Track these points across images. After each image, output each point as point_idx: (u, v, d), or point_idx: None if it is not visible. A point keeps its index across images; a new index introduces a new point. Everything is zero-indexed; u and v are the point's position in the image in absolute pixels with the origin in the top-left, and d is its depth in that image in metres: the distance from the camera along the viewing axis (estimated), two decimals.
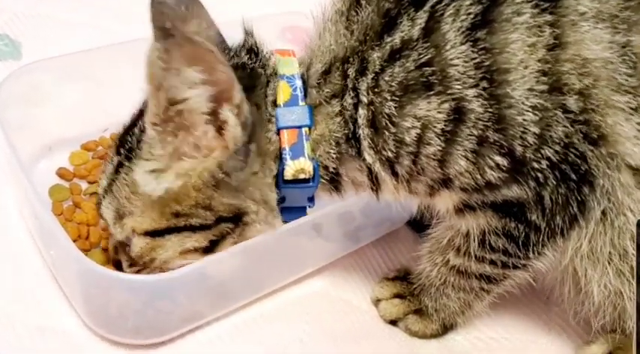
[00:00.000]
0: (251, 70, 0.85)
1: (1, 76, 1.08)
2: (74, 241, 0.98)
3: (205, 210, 0.83)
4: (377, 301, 1.04)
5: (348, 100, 0.81)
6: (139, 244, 0.86)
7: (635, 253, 0.82)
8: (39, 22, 1.46)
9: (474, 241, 0.87)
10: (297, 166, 0.84)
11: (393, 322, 1.02)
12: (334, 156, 0.85)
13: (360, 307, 1.04)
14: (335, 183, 0.88)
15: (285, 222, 0.91)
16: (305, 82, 0.85)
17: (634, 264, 0.83)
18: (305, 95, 0.84)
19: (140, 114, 0.86)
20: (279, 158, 0.84)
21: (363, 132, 0.81)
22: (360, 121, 0.81)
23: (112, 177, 0.86)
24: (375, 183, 0.86)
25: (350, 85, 0.81)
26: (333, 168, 0.86)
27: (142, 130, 0.83)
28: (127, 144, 0.86)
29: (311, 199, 0.90)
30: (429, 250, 0.97)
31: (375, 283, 1.06)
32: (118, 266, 0.92)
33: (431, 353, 1.00)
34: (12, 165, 0.96)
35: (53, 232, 0.86)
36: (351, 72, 0.81)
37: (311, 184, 0.86)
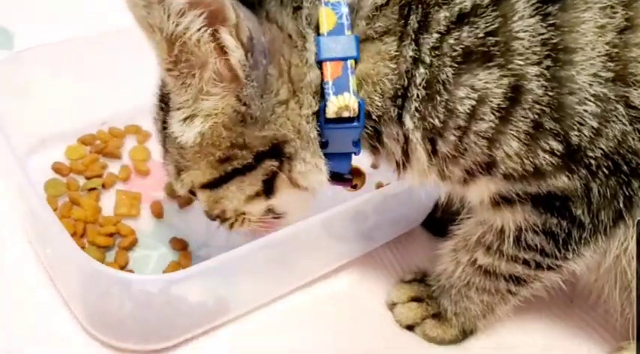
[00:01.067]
0: None
1: None
2: None
3: (242, 149, 0.78)
4: (392, 305, 1.00)
5: (409, 51, 0.75)
6: (203, 198, 0.86)
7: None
8: (31, 11, 1.43)
9: (509, 238, 0.82)
10: (341, 102, 0.76)
11: (410, 327, 0.98)
12: (379, 103, 0.78)
13: (375, 311, 1.00)
14: (375, 139, 0.81)
15: (331, 173, 0.84)
16: (353, 12, 0.77)
17: None
18: (352, 25, 0.77)
19: None
20: (321, 94, 0.78)
21: (416, 92, 0.75)
22: (418, 80, 0.75)
23: (163, 134, 0.83)
24: (406, 157, 0.80)
25: (412, 35, 0.75)
26: (377, 116, 0.79)
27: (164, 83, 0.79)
28: (164, 97, 0.81)
29: (356, 144, 0.82)
30: (453, 248, 0.92)
31: (391, 286, 1.02)
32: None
33: None
34: (5, 159, 0.92)
35: (50, 228, 0.82)
36: (413, 20, 0.75)
37: (356, 123, 0.78)
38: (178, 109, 0.78)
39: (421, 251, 1.09)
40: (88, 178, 1.09)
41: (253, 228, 0.90)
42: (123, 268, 0.96)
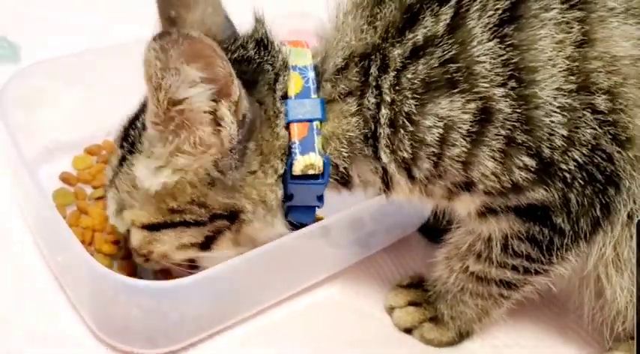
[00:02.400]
0: (257, 64, 0.82)
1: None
2: None
3: (200, 207, 0.82)
4: (391, 309, 1.02)
5: (371, 98, 0.78)
6: (137, 237, 0.86)
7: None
8: (37, 24, 1.44)
9: (496, 246, 0.85)
10: (307, 161, 0.81)
11: (408, 331, 1.00)
12: (345, 155, 0.82)
13: (372, 315, 1.02)
14: (344, 182, 0.85)
15: (292, 224, 0.89)
16: (319, 75, 0.82)
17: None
18: (318, 88, 0.81)
19: (144, 107, 0.83)
20: (288, 153, 0.82)
21: (383, 131, 0.79)
22: (382, 120, 0.78)
23: (116, 170, 0.85)
24: (388, 185, 0.84)
25: (373, 83, 0.78)
26: (344, 167, 0.83)
27: (144, 127, 0.81)
28: (130, 137, 0.84)
29: (320, 199, 0.86)
30: (446, 256, 0.95)
31: (389, 291, 1.04)
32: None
33: None
34: (16, 169, 0.94)
35: (63, 237, 0.84)
36: (373, 70, 0.78)
37: (320, 180, 0.82)
38: (148, 157, 0.81)
39: (417, 257, 1.11)
40: (95, 188, 1.11)
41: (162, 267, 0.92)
42: (131, 274, 0.96)
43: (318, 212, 0.95)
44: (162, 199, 0.82)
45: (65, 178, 1.11)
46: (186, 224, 0.83)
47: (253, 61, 0.83)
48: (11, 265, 0.99)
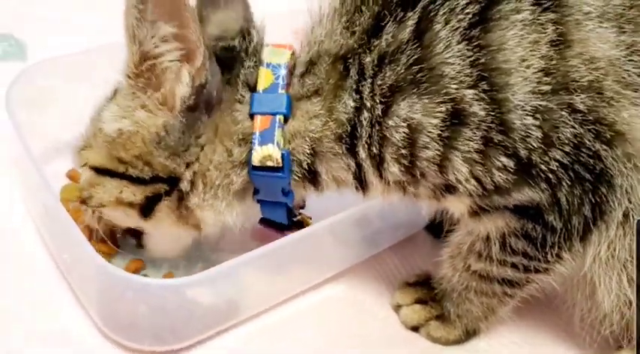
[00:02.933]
0: (236, 52, 0.85)
1: (7, 77, 1.06)
2: None
3: (144, 164, 0.84)
4: (397, 307, 1.02)
5: (349, 102, 0.80)
6: (85, 176, 0.89)
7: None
8: (44, 22, 1.45)
9: (495, 244, 0.85)
10: (265, 152, 0.82)
11: (415, 329, 1.00)
12: (309, 152, 0.83)
13: (379, 313, 1.02)
14: (312, 179, 0.86)
15: (264, 221, 0.92)
16: (291, 74, 0.84)
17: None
18: (288, 85, 0.83)
19: None
20: (250, 144, 0.83)
21: (365, 132, 0.80)
22: (365, 123, 0.79)
23: (100, 108, 0.89)
24: (362, 183, 0.85)
25: (353, 87, 0.79)
26: (307, 164, 0.84)
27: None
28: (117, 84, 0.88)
29: (286, 194, 0.87)
30: (450, 255, 0.95)
31: (396, 289, 1.04)
32: None
33: None
34: (23, 166, 0.94)
35: (70, 234, 0.85)
36: (353, 73, 0.79)
37: (281, 174, 0.83)
38: (116, 105, 0.85)
39: (424, 254, 1.11)
40: None
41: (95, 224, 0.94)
42: (138, 271, 0.98)
43: (326, 212, 0.96)
44: (115, 146, 0.84)
45: (72, 176, 1.11)
46: (128, 178, 0.85)
47: (234, 49, 0.85)
48: (14, 264, 0.99)
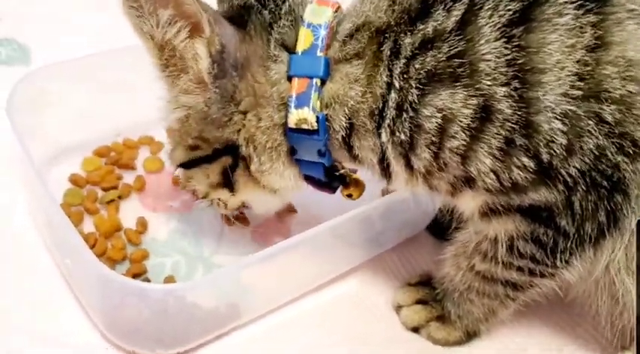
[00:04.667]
0: (257, 11, 0.84)
1: (10, 81, 1.06)
2: None
3: (204, 142, 0.88)
4: (398, 308, 1.02)
5: (384, 77, 0.79)
6: (180, 174, 0.97)
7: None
8: (47, 26, 1.45)
9: (502, 246, 0.85)
10: (300, 115, 0.82)
11: (415, 329, 1.00)
12: (345, 124, 0.83)
13: (381, 314, 1.02)
14: (349, 150, 0.86)
15: (308, 178, 0.92)
16: (334, 34, 0.83)
17: None
18: (328, 47, 0.82)
19: None
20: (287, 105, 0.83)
21: (390, 113, 0.79)
22: (391, 103, 0.79)
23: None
24: (386, 170, 0.85)
25: (386, 62, 0.79)
26: (342, 136, 0.84)
27: None
28: None
29: (323, 155, 0.86)
30: (454, 253, 0.94)
31: (397, 289, 1.04)
32: None
33: None
34: (25, 171, 0.95)
35: (71, 240, 0.85)
36: (386, 49, 0.79)
37: (316, 137, 0.84)
38: (167, 100, 0.88)
39: (426, 255, 1.11)
40: (104, 189, 1.12)
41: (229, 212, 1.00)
42: (139, 275, 0.99)
43: (329, 212, 0.97)
44: (182, 136, 0.89)
45: (74, 180, 1.12)
46: (202, 161, 0.90)
47: (253, 7, 0.85)
48: (15, 264, 1.00)
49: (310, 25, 0.82)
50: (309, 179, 0.93)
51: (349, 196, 0.97)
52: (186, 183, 0.96)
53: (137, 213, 1.09)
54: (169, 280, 0.99)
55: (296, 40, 0.83)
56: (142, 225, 1.07)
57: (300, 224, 1.09)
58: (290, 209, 1.12)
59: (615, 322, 0.90)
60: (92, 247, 1.01)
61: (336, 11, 0.84)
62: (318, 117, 0.82)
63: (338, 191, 0.96)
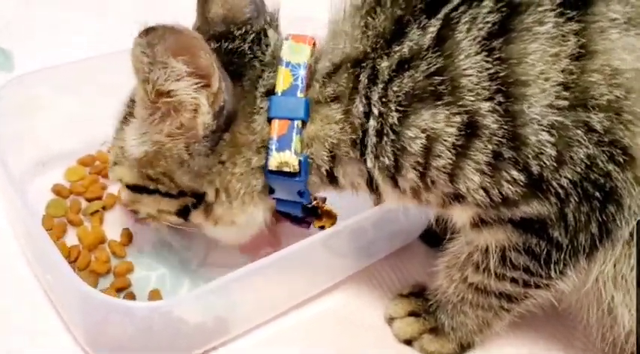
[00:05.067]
0: (248, 59, 0.84)
1: None
2: None
3: (170, 181, 0.85)
4: (391, 320, 1.00)
5: (360, 107, 0.78)
6: (124, 194, 0.93)
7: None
8: (31, 32, 1.43)
9: (494, 257, 0.83)
10: (282, 158, 0.81)
11: (408, 342, 0.98)
12: (327, 158, 0.82)
13: (373, 326, 1.00)
14: (331, 181, 0.85)
15: (280, 212, 0.92)
16: (312, 74, 0.82)
17: None
18: (307, 87, 0.81)
19: None
20: (267, 147, 0.82)
21: (370, 140, 0.78)
22: (370, 130, 0.78)
23: (118, 126, 0.90)
24: (374, 190, 0.84)
25: (362, 92, 0.78)
26: (326, 170, 0.83)
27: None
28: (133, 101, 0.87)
29: (302, 195, 0.86)
30: (447, 265, 0.93)
31: (389, 301, 1.02)
32: None
33: None
34: (4, 183, 0.92)
35: (52, 258, 0.82)
36: (363, 78, 0.78)
37: (297, 178, 0.83)
38: (136, 129, 0.84)
39: (418, 265, 1.09)
40: (88, 200, 1.10)
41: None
42: (123, 290, 0.97)
43: None
44: (143, 164, 0.85)
45: (57, 191, 1.10)
46: (159, 193, 0.87)
47: (246, 55, 0.84)
48: (4, 274, 0.98)
49: (289, 65, 0.82)
50: (283, 215, 0.93)
51: (321, 227, 0.98)
52: (131, 203, 0.92)
53: (122, 224, 1.07)
54: (154, 294, 0.97)
55: (275, 82, 0.82)
56: (127, 237, 1.05)
57: (291, 234, 1.06)
58: (278, 218, 1.09)
59: (606, 334, 0.89)
60: (75, 259, 0.99)
61: (312, 47, 0.83)
62: (300, 160, 0.81)
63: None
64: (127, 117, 0.87)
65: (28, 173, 1.10)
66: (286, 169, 0.82)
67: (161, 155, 0.83)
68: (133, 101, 0.86)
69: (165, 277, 1.01)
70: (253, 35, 0.85)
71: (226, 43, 0.84)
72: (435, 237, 1.07)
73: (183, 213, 0.89)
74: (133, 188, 0.89)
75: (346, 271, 1.05)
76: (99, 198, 1.10)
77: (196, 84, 0.76)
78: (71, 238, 1.04)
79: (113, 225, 1.07)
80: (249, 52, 0.84)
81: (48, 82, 1.10)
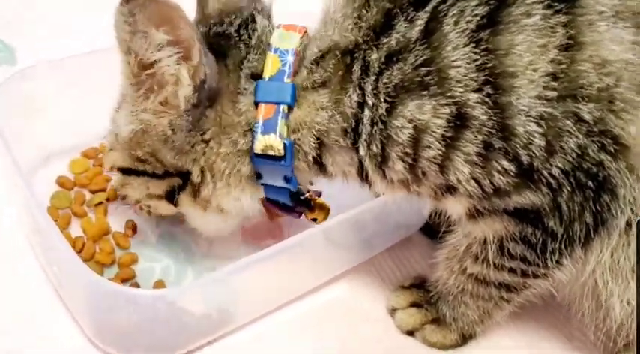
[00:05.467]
0: (234, 42, 0.85)
1: None
2: None
3: (156, 161, 0.86)
4: (393, 311, 1.01)
5: (354, 96, 0.79)
6: (116, 178, 0.96)
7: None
8: (34, 26, 1.43)
9: (492, 248, 0.84)
10: (267, 141, 0.82)
11: (410, 333, 0.99)
12: (314, 144, 0.83)
13: (375, 317, 1.01)
14: (319, 169, 0.86)
15: (268, 199, 0.91)
16: (300, 60, 0.83)
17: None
18: (295, 73, 0.82)
19: None
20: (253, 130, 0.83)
21: (365, 129, 0.79)
22: (365, 120, 0.79)
23: (114, 112, 0.91)
24: (365, 178, 0.84)
25: (356, 82, 0.79)
26: (313, 157, 0.84)
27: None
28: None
29: (289, 181, 0.87)
30: (446, 256, 0.94)
31: (391, 292, 1.03)
32: None
33: None
34: (12, 175, 0.93)
35: (59, 247, 0.83)
36: (357, 69, 0.79)
37: (283, 163, 0.84)
38: (126, 109, 0.86)
39: (420, 257, 1.10)
40: (92, 192, 1.10)
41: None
42: (128, 280, 0.97)
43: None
44: (131, 146, 0.87)
45: (62, 183, 1.10)
46: (147, 174, 0.88)
47: (232, 38, 0.85)
48: (10, 277, 0.98)
49: (277, 51, 0.83)
50: (273, 203, 0.93)
51: (314, 220, 0.98)
52: (121, 188, 0.94)
53: (126, 216, 1.07)
54: (159, 284, 0.97)
55: (263, 66, 0.83)
56: (131, 228, 1.05)
57: (293, 225, 1.08)
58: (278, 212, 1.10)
59: (599, 325, 0.89)
60: (80, 251, 0.99)
61: (302, 36, 0.84)
62: (285, 143, 0.82)
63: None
64: (119, 103, 0.89)
65: (33, 166, 1.10)
66: (271, 153, 0.83)
67: (147, 135, 0.84)
68: None
69: (170, 268, 1.01)
70: (241, 20, 0.86)
71: (214, 27, 0.85)
72: (435, 229, 1.07)
73: (171, 197, 0.89)
74: (124, 171, 0.90)
75: (349, 263, 1.06)
76: (103, 190, 1.11)
77: (177, 54, 0.77)
78: (76, 230, 1.05)
79: (117, 216, 1.07)
80: (235, 35, 0.85)
81: (51, 75, 1.11)
